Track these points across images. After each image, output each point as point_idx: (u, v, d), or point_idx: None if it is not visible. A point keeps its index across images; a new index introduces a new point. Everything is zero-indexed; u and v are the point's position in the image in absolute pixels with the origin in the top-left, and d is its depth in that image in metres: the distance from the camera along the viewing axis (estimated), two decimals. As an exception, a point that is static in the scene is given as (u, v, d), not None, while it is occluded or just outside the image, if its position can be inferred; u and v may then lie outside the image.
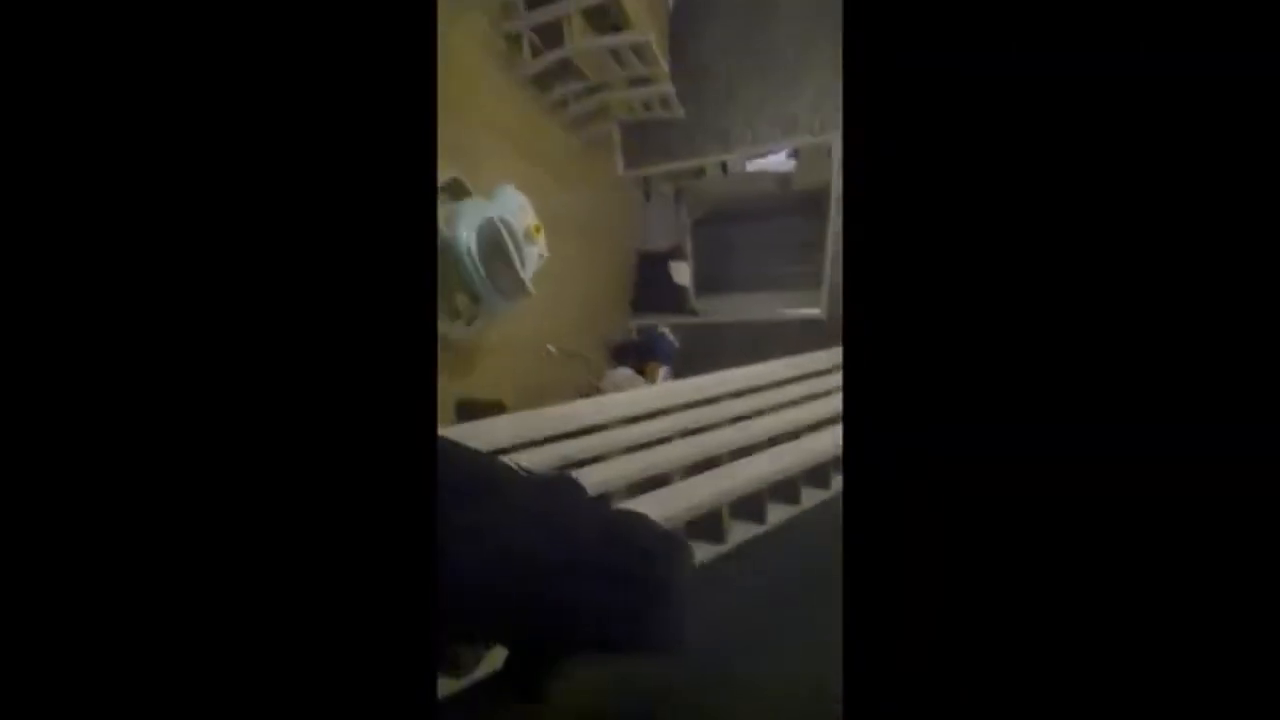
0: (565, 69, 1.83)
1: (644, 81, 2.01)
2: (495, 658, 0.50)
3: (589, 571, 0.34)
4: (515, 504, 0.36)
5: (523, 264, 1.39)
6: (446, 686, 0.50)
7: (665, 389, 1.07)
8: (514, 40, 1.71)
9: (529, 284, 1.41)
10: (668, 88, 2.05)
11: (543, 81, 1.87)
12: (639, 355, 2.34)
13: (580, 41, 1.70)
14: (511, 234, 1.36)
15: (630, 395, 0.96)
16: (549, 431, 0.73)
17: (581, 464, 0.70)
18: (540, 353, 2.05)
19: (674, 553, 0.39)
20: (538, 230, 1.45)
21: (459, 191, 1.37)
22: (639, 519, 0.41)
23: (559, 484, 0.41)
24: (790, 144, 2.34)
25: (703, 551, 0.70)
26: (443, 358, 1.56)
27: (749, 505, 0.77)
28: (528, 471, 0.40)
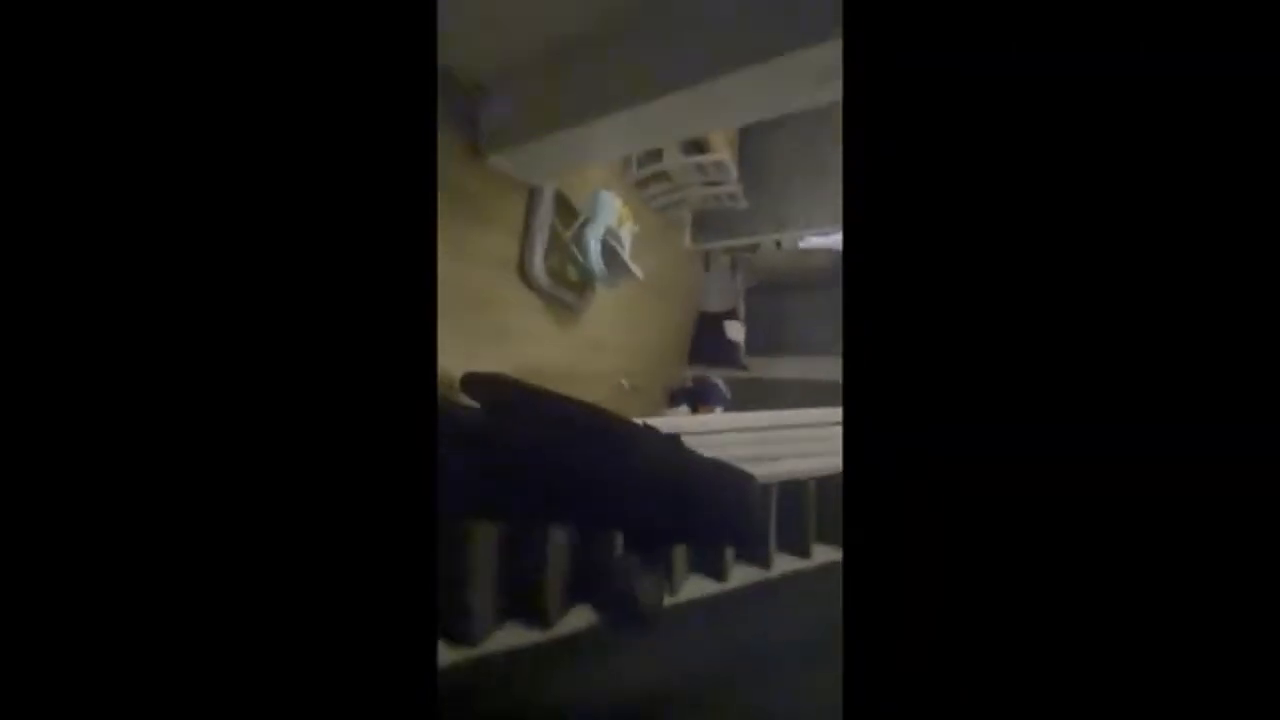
0: (658, 175, 2.10)
1: (716, 183, 2.18)
2: (574, 618, 0.63)
3: (700, 494, 0.50)
4: (657, 449, 0.55)
5: (627, 252, 1.70)
6: (535, 637, 0.62)
7: (721, 416, 1.24)
8: (626, 159, 2.06)
9: (634, 269, 1.72)
10: (736, 188, 2.20)
11: (642, 184, 2.15)
12: (693, 399, 2.29)
13: (674, 159, 2.03)
14: (620, 241, 1.67)
15: (694, 418, 1.15)
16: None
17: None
18: (615, 385, 2.10)
19: (748, 483, 0.55)
20: (628, 214, 1.75)
21: (562, 202, 1.66)
22: (722, 462, 0.57)
23: (676, 438, 0.58)
24: (838, 229, 2.28)
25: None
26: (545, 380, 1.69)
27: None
28: (653, 430, 0.60)
